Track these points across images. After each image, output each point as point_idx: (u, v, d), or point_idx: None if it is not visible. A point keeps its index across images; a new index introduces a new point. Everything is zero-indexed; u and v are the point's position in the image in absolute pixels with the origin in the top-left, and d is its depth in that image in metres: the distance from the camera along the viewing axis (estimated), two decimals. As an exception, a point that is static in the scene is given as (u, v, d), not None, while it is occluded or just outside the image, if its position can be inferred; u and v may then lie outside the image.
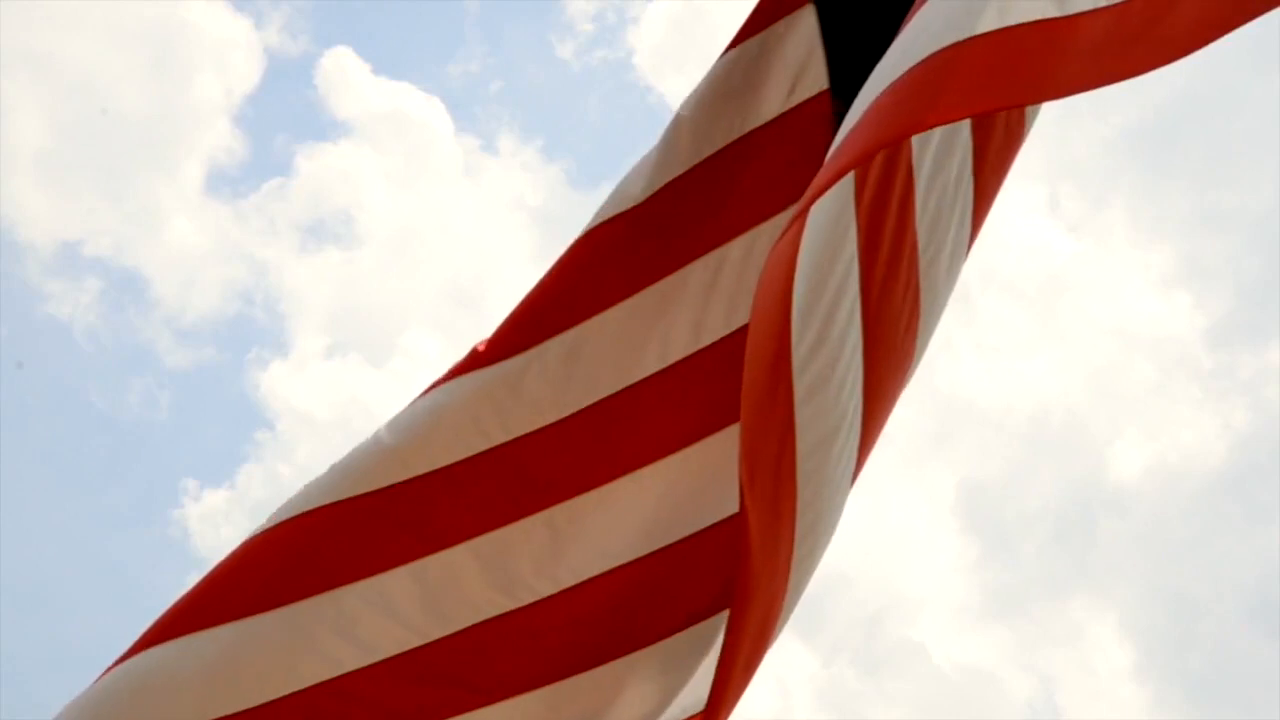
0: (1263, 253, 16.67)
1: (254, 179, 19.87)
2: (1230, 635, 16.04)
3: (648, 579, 3.75)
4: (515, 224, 18.65)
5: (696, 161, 3.92)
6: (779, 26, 3.95)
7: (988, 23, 2.87)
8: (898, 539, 17.39)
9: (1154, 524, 17.05)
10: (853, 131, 3.03)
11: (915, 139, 3.73)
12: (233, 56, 17.46)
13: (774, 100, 3.91)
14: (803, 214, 3.06)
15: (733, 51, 3.96)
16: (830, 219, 3.57)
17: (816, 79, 3.87)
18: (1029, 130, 4.05)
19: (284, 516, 3.75)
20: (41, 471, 16.44)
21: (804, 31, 3.93)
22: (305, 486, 3.78)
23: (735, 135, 3.92)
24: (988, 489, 17.61)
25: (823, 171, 3.03)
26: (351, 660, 3.69)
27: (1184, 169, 17.56)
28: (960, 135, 3.87)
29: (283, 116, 18.20)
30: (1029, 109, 4.00)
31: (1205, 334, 17.60)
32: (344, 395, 17.52)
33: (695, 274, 3.86)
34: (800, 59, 3.90)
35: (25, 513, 15.07)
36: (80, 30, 17.89)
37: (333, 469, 3.79)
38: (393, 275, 18.29)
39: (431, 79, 21.79)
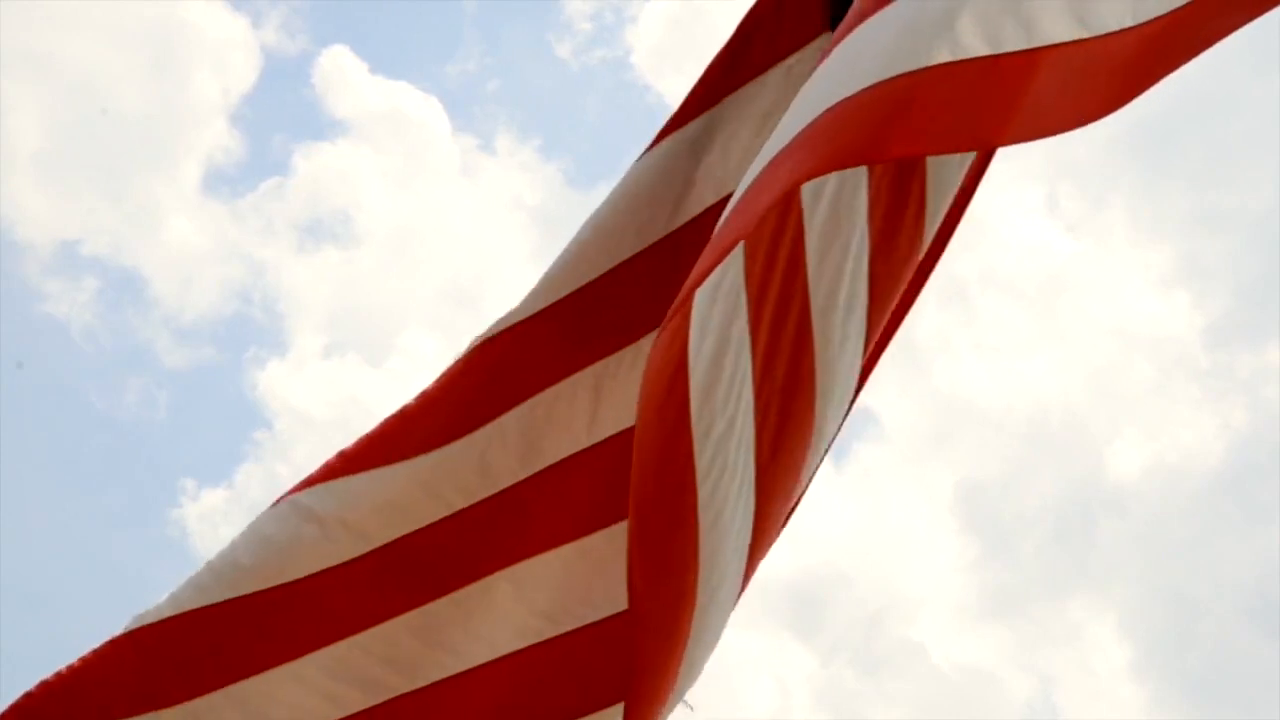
0: (1261, 253, 16.68)
1: (252, 178, 19.86)
2: (1229, 635, 16.05)
3: (534, 670, 3.73)
4: (513, 223, 18.66)
5: (702, 208, 3.82)
6: (803, 54, 3.83)
7: (947, 53, 2.68)
8: (897, 539, 17.41)
9: (1153, 524, 17.05)
10: (751, 188, 2.85)
11: (805, 208, 3.45)
12: (230, 56, 17.47)
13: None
14: (689, 293, 2.96)
15: (749, 86, 3.83)
16: (721, 292, 3.34)
17: None
18: (937, 208, 3.74)
19: (159, 617, 3.72)
20: (40, 471, 16.43)
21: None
22: (176, 590, 3.75)
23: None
24: (987, 489, 17.62)
25: (715, 239, 2.89)
26: None
27: (1183, 169, 17.56)
28: (856, 212, 3.58)
29: (280, 116, 18.20)
30: (940, 184, 3.72)
31: (1204, 334, 17.61)
32: (342, 395, 17.52)
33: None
34: None
35: (24, 512, 15.07)
36: (80, 30, 17.89)
37: (205, 572, 3.75)
38: (391, 275, 18.29)
39: (429, 78, 21.81)
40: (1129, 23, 2.79)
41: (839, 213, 3.53)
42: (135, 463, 17.53)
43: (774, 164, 2.83)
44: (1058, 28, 2.74)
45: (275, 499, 3.80)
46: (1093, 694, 16.20)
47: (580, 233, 3.85)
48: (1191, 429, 17.48)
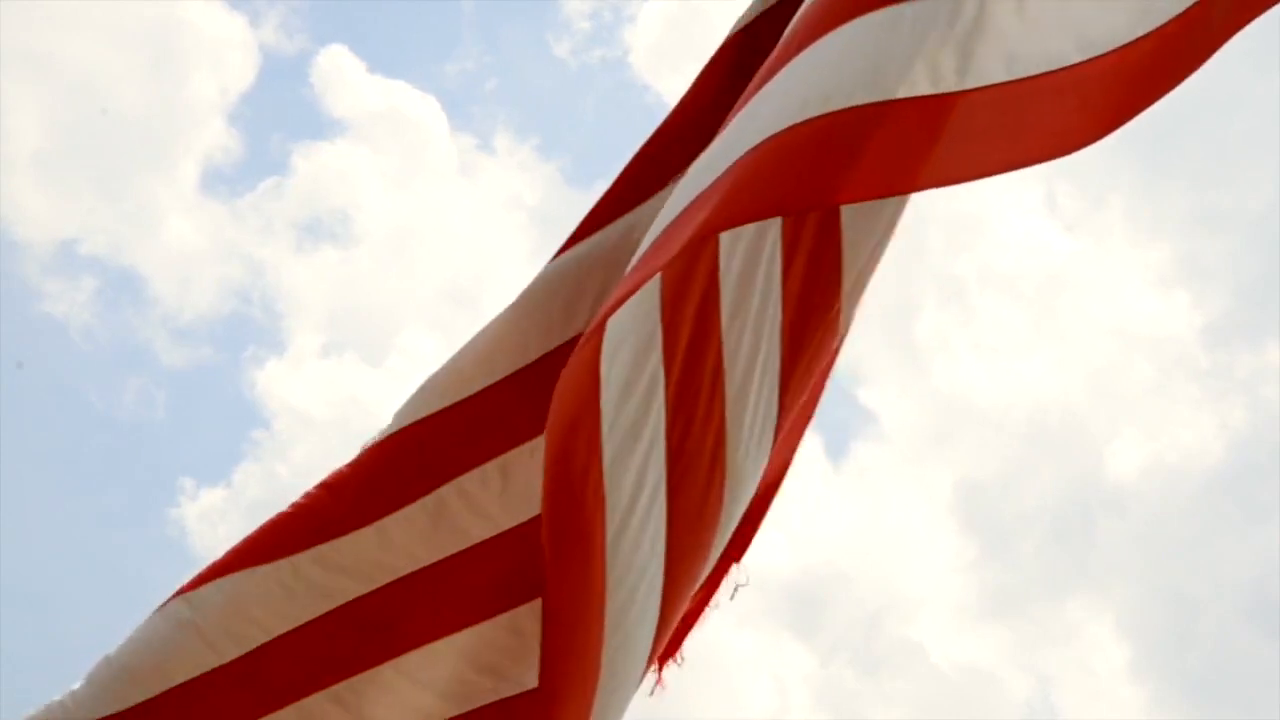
0: (1261, 252, 16.68)
1: (250, 178, 19.84)
2: (1229, 634, 16.05)
3: None
4: (512, 223, 18.66)
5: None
6: None
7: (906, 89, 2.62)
8: (896, 538, 17.40)
9: (1152, 523, 17.06)
10: (680, 217, 2.77)
11: (722, 253, 3.33)
12: (229, 55, 17.48)
13: None
14: (601, 323, 2.90)
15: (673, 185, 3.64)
16: (638, 334, 3.26)
17: None
18: (856, 256, 3.59)
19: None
20: (39, 471, 16.44)
21: None
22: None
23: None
24: (986, 488, 17.62)
25: (632, 272, 2.82)
26: None
27: (1182, 168, 17.55)
28: (770, 262, 3.46)
29: (278, 115, 18.19)
30: (859, 231, 3.58)
31: (1203, 333, 17.60)
32: (341, 394, 17.52)
33: None
34: None
35: (23, 512, 15.07)
36: (80, 30, 17.90)
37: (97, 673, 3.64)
38: (389, 274, 18.30)
39: (427, 77, 21.81)
40: (1137, 33, 2.79)
41: (752, 261, 3.43)
42: (134, 463, 17.56)
43: (700, 200, 2.75)
44: (1061, 51, 2.73)
45: (165, 599, 3.67)
46: (1092, 694, 16.22)
47: (478, 340, 3.65)
48: (1191, 429, 17.50)
